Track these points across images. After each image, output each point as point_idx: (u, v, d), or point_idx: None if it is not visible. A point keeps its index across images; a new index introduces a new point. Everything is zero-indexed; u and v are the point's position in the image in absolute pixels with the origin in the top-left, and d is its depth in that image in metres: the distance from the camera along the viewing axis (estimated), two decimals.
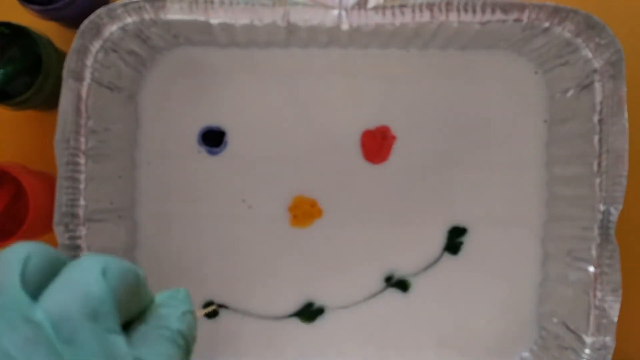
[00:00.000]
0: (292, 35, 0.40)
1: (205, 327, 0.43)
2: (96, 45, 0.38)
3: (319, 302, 0.43)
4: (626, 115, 0.37)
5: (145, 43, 0.40)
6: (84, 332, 0.16)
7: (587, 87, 0.39)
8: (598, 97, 0.38)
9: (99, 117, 0.39)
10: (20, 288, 0.17)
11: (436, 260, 0.43)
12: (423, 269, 0.44)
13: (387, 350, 0.43)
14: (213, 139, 0.43)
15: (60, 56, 0.41)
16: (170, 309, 0.20)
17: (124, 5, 0.37)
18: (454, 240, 0.43)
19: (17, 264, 0.17)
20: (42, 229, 0.41)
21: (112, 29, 0.38)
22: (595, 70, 0.38)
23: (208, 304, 0.43)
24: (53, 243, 0.38)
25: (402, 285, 0.43)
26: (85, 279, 0.17)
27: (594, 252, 0.38)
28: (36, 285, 0.17)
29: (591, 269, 0.38)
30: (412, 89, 0.43)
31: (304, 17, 0.38)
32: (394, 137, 0.43)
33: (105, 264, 0.18)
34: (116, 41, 0.38)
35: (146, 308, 0.20)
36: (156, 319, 0.20)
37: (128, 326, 0.19)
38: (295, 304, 0.43)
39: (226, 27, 0.39)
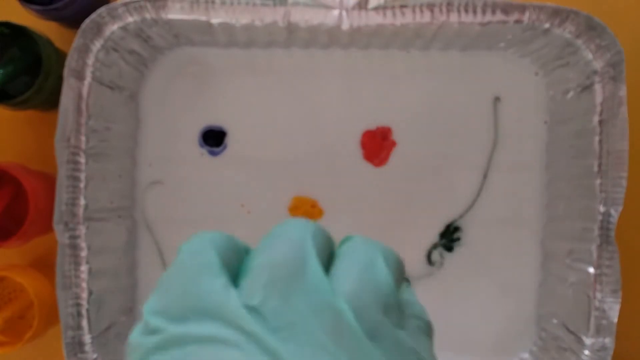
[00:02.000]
0: (292, 36, 0.40)
1: None
2: (97, 45, 0.38)
3: None
4: (626, 116, 0.37)
5: (146, 42, 0.40)
6: (383, 327, 0.15)
7: (587, 88, 0.39)
8: (598, 98, 0.38)
9: (99, 116, 0.39)
10: (320, 268, 0.16)
11: (435, 261, 0.43)
12: (423, 269, 0.44)
13: None
14: (213, 138, 0.43)
15: (60, 56, 0.41)
16: (410, 295, 0.20)
17: (125, 4, 0.37)
18: (451, 239, 0.43)
19: (309, 240, 0.16)
20: (42, 229, 0.41)
21: (113, 28, 0.38)
22: (595, 72, 0.38)
23: None
24: (53, 243, 0.37)
25: None
26: (372, 267, 0.16)
27: (594, 253, 0.38)
28: (323, 266, 0.16)
29: (591, 270, 0.38)
30: (413, 90, 0.43)
31: (304, 17, 0.38)
32: (394, 142, 0.43)
33: (384, 251, 0.17)
34: (117, 40, 0.38)
35: None
36: (409, 307, 0.19)
37: None
38: None
39: (227, 27, 0.39)
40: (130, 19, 0.38)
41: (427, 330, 0.19)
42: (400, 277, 0.18)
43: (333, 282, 0.16)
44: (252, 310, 0.15)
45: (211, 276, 0.16)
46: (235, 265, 0.17)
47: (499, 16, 0.38)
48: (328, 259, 0.17)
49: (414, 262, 0.43)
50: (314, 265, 0.16)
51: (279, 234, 0.17)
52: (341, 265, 0.16)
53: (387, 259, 0.17)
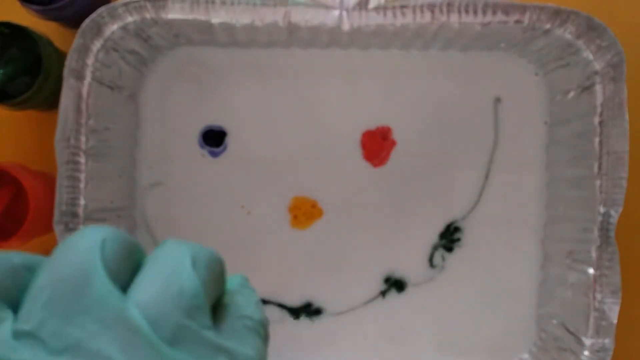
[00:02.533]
0: (293, 36, 0.40)
1: None
2: (97, 45, 0.38)
3: (318, 302, 0.43)
4: (627, 117, 0.37)
5: (146, 42, 0.40)
6: (184, 332, 0.15)
7: (587, 89, 0.39)
8: (599, 99, 0.38)
9: (99, 116, 0.38)
10: (107, 280, 0.15)
11: (435, 261, 0.43)
12: (422, 269, 0.43)
13: (386, 352, 0.43)
14: (213, 138, 0.43)
15: (60, 56, 0.41)
16: (245, 297, 0.19)
17: (125, 4, 0.37)
18: (451, 239, 0.43)
19: (95, 251, 0.15)
20: (42, 229, 0.41)
21: (113, 28, 0.38)
22: (596, 72, 0.38)
23: None
24: (53, 243, 0.37)
25: (400, 285, 0.43)
26: (177, 270, 0.16)
27: (593, 254, 0.38)
28: (119, 277, 0.15)
29: (591, 270, 0.38)
30: (413, 90, 0.43)
31: (304, 17, 0.38)
32: (394, 142, 0.43)
33: (193, 253, 0.16)
34: (117, 40, 0.38)
35: (221, 294, 0.18)
36: (236, 309, 0.18)
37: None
38: (295, 303, 0.43)
39: (227, 27, 0.39)
40: (130, 19, 0.38)
41: (259, 329, 0.18)
42: (216, 277, 0.17)
43: (131, 292, 0.15)
44: (26, 335, 0.14)
45: None
46: (129, 272, 0.16)
47: (500, 16, 0.38)
48: (133, 268, 0.16)
49: (415, 266, 0.43)
50: (101, 277, 0.15)
51: (66, 246, 0.15)
52: (142, 274, 0.16)
53: (197, 261, 0.16)
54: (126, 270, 0.16)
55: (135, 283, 0.15)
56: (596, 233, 0.38)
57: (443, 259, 0.43)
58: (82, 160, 0.38)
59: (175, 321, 0.15)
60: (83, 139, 0.38)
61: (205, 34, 0.40)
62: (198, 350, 0.15)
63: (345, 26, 0.38)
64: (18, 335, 0.14)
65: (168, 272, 0.16)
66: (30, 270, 0.16)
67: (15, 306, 0.15)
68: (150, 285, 0.15)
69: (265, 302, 0.43)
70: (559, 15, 0.38)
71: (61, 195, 0.37)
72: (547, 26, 0.38)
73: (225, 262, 0.18)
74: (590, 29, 0.37)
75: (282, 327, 0.43)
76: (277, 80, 0.43)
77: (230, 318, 0.18)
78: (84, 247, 0.15)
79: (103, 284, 0.14)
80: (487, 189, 0.43)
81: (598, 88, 0.38)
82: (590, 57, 0.38)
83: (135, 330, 0.14)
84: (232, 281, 0.20)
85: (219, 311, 0.18)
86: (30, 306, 0.15)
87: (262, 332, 0.19)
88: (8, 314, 0.15)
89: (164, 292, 0.15)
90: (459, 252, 0.43)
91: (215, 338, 0.16)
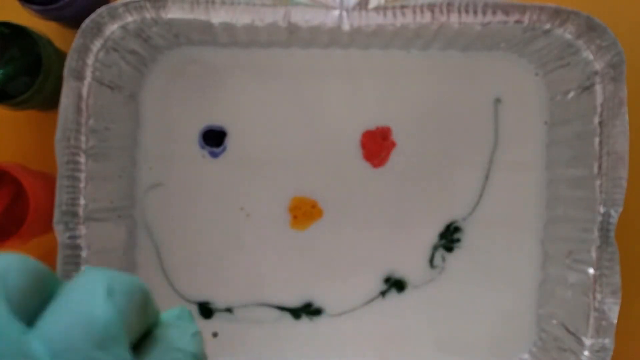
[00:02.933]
0: (293, 36, 0.40)
1: (205, 327, 0.43)
2: (97, 44, 0.38)
3: (318, 302, 0.43)
4: (627, 117, 0.37)
5: (146, 42, 0.40)
6: None
7: (587, 89, 0.39)
8: (599, 99, 0.38)
9: (99, 116, 0.38)
10: (7, 312, 0.14)
11: (436, 262, 0.43)
12: (422, 269, 0.43)
13: (386, 352, 0.43)
14: (214, 138, 0.43)
15: (60, 56, 0.41)
16: (179, 329, 0.18)
17: (125, 4, 0.37)
18: (451, 239, 0.43)
19: None
20: (42, 229, 0.41)
21: (113, 28, 0.38)
22: (596, 72, 0.38)
23: (214, 334, 0.43)
24: (53, 243, 0.37)
25: (400, 285, 0.43)
26: (89, 300, 0.15)
27: (593, 254, 0.38)
28: (24, 309, 0.15)
29: (591, 271, 0.38)
30: (413, 90, 0.43)
31: (305, 17, 0.38)
32: (394, 142, 0.43)
33: (110, 281, 0.15)
34: (117, 40, 0.38)
35: (153, 326, 0.18)
36: (167, 341, 0.18)
37: (135, 348, 0.17)
38: (295, 304, 0.43)
39: (227, 27, 0.39)
40: (130, 19, 0.38)
41: None
42: (138, 306, 0.16)
43: (38, 324, 0.14)
44: None
45: None
46: (37, 303, 0.15)
47: (500, 17, 0.38)
48: (43, 299, 0.15)
49: (416, 266, 0.43)
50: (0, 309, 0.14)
51: None
52: (53, 304, 0.15)
53: (113, 290, 0.15)
54: (34, 301, 0.15)
55: (43, 314, 0.15)
56: (596, 233, 0.38)
57: (443, 259, 0.43)
58: (82, 160, 0.38)
59: (84, 354, 0.14)
60: (83, 139, 0.38)
61: (205, 34, 0.40)
62: None
63: (345, 26, 0.38)
64: None
65: (78, 301, 0.15)
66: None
67: None
68: (58, 316, 0.15)
69: (265, 302, 0.43)
70: (559, 15, 0.38)
71: (61, 195, 0.37)
72: (547, 26, 0.38)
73: (149, 291, 0.17)
74: (590, 29, 0.37)
75: (282, 327, 0.43)
76: (277, 80, 0.43)
77: (158, 351, 0.17)
78: None
79: (1, 317, 0.14)
80: (487, 189, 0.43)
81: (598, 88, 0.38)
82: (590, 57, 0.38)
83: None
84: (170, 313, 0.19)
85: (147, 344, 0.17)
86: None
87: None
88: None
89: (72, 323, 0.14)
90: (459, 252, 0.43)
91: None
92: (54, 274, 0.16)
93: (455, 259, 0.43)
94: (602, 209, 0.38)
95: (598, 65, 0.38)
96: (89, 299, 0.15)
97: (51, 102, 0.40)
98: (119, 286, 0.15)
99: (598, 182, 0.38)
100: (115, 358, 0.15)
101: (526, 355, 0.43)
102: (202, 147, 0.43)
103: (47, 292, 0.15)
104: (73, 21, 0.40)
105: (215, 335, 0.35)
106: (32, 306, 0.15)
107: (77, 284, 0.15)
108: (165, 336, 0.18)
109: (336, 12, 0.38)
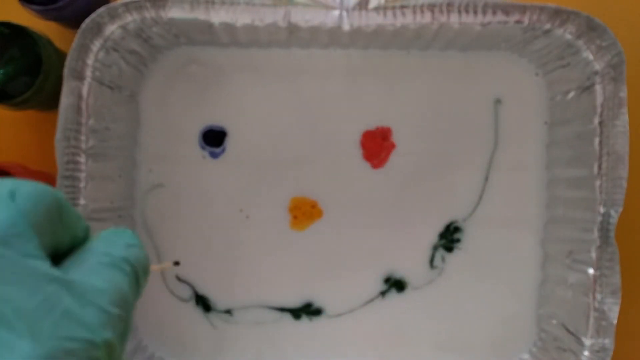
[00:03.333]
0: (293, 36, 0.40)
1: (205, 328, 0.43)
2: (97, 44, 0.38)
3: (318, 302, 0.43)
4: (627, 117, 0.37)
5: (146, 42, 0.40)
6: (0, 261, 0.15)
7: (587, 89, 0.39)
8: (599, 99, 0.38)
9: (99, 116, 0.38)
10: None
11: (436, 262, 0.43)
12: (422, 270, 0.43)
13: (386, 352, 0.43)
14: (214, 139, 0.43)
15: (60, 56, 0.41)
16: (111, 240, 0.19)
17: (125, 4, 0.37)
18: (451, 239, 0.43)
19: None
20: None
21: (113, 28, 0.38)
22: (596, 72, 0.38)
23: (175, 263, 0.41)
24: None
25: (400, 285, 0.43)
26: None
27: (593, 254, 0.38)
28: None
29: (591, 271, 0.38)
30: (413, 90, 0.43)
31: (305, 17, 0.38)
32: (394, 142, 0.43)
33: (13, 186, 0.16)
34: (117, 40, 0.38)
35: (83, 240, 0.19)
36: (94, 248, 0.18)
37: (63, 257, 0.18)
38: (295, 304, 0.43)
39: (227, 27, 0.39)
40: (130, 19, 0.38)
41: (120, 264, 0.18)
42: (49, 209, 0.17)
43: None
44: None
45: None
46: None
47: (500, 17, 0.38)
48: None
49: (415, 266, 0.43)
50: None
51: None
52: None
53: (16, 193, 0.16)
54: None
55: None
56: (596, 233, 0.38)
57: (443, 259, 0.43)
58: (82, 160, 0.38)
59: None
60: (83, 138, 0.38)
61: (205, 34, 0.40)
62: (20, 279, 0.15)
63: (345, 26, 0.38)
64: None
65: None
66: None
67: None
68: None
69: (265, 303, 0.43)
70: (559, 15, 0.38)
71: None
72: (547, 26, 0.38)
73: (66, 201, 0.18)
74: (590, 29, 0.37)
75: (282, 327, 0.43)
76: (277, 80, 0.43)
77: (82, 255, 0.18)
78: None
79: None
80: (487, 189, 0.43)
81: (598, 88, 0.38)
82: (590, 57, 0.38)
83: None
84: (107, 230, 0.20)
85: (74, 252, 0.18)
86: None
87: (127, 268, 0.19)
88: None
89: None
90: (459, 252, 0.43)
91: (45, 268, 0.16)
92: None
93: (455, 259, 0.43)
94: (602, 209, 0.38)
95: (598, 66, 0.38)
96: None
97: (51, 102, 0.40)
98: (23, 191, 0.16)
99: (598, 182, 0.38)
100: (20, 254, 0.15)
101: (526, 355, 0.43)
102: (203, 148, 0.43)
103: None
104: (73, 21, 0.40)
105: (176, 263, 0.34)
106: None
107: None
108: (92, 245, 0.19)
109: (336, 12, 0.38)
